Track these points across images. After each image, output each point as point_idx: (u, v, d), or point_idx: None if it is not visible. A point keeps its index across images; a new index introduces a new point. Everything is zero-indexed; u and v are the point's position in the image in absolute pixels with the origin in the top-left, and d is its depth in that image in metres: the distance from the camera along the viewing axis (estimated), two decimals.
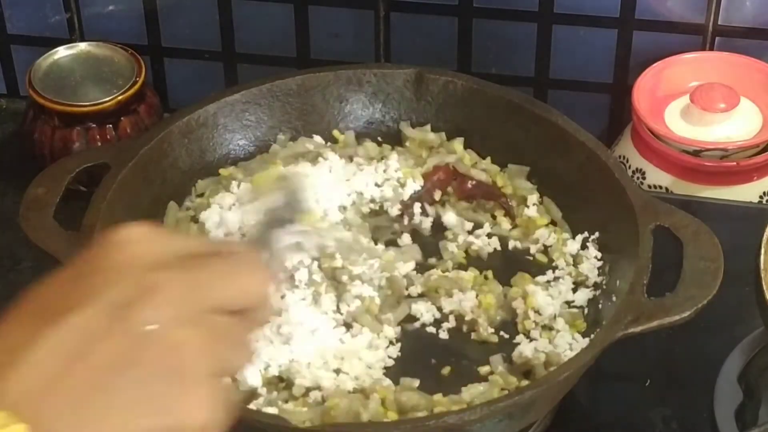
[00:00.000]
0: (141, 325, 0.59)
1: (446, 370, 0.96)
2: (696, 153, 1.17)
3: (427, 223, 1.06)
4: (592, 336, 0.95)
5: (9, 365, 0.58)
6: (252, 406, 0.91)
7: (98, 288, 0.60)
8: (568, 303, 1.00)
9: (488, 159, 1.09)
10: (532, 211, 1.05)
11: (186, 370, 0.60)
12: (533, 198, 1.06)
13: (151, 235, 0.63)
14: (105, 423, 0.59)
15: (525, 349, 0.95)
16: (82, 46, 1.24)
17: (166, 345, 0.60)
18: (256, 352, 0.72)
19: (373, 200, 1.07)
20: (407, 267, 1.02)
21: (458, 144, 1.09)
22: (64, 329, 0.59)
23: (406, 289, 1.00)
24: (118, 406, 0.59)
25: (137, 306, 0.60)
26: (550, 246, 1.04)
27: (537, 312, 0.98)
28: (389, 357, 0.96)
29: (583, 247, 1.03)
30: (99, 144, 1.19)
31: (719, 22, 1.21)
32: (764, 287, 0.92)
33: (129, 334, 0.59)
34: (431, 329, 0.99)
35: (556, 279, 1.01)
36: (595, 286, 1.01)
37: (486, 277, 1.02)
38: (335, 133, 1.11)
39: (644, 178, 1.20)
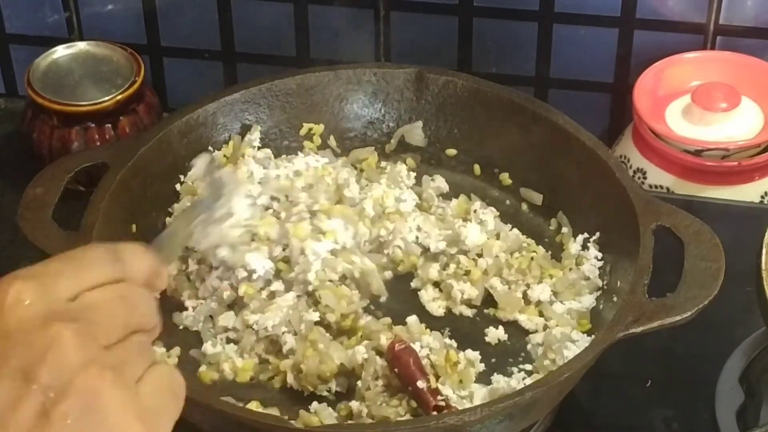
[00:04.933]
0: (49, 383, 0.60)
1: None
2: (697, 153, 1.17)
3: None
4: (593, 336, 0.95)
5: None
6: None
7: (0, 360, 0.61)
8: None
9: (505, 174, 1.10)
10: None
11: (105, 409, 0.61)
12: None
13: (34, 288, 0.63)
14: None
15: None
16: (81, 46, 1.24)
17: (79, 392, 0.61)
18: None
19: None
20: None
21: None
22: None
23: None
24: None
25: (41, 366, 0.61)
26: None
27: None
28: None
29: (584, 247, 1.03)
30: (98, 144, 1.19)
31: (720, 22, 1.21)
32: (765, 287, 0.92)
33: (40, 395, 0.60)
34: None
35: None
36: (597, 287, 1.01)
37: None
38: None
39: (645, 178, 1.20)
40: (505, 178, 1.09)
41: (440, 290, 1.02)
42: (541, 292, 1.00)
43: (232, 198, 0.82)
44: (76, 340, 0.62)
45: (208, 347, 0.97)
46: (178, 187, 1.07)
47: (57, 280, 0.64)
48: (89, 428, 0.61)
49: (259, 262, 0.99)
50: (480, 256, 1.02)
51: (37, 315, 0.62)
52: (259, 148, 1.09)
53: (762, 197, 1.19)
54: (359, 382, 0.93)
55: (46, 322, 0.62)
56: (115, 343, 0.64)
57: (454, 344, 0.97)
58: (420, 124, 1.11)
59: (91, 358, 0.62)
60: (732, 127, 1.18)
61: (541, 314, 0.99)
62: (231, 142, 1.09)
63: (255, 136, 1.09)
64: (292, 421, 0.89)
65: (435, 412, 0.89)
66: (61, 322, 0.62)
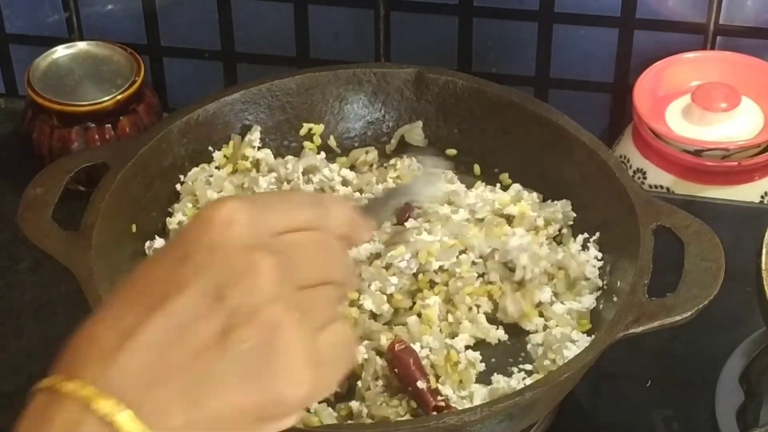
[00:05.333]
0: (238, 306, 0.62)
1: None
2: (697, 153, 1.17)
3: None
4: (593, 336, 0.95)
5: (117, 351, 0.61)
6: None
7: (197, 271, 0.63)
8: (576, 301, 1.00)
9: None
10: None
11: (282, 346, 0.62)
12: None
13: (248, 212, 0.65)
14: (207, 405, 0.61)
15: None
16: (81, 46, 1.24)
17: (262, 323, 0.62)
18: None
19: None
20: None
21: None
22: (165, 313, 0.62)
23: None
24: (219, 387, 0.61)
25: (235, 287, 0.62)
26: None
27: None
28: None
29: (584, 247, 1.03)
30: (98, 144, 1.19)
31: (720, 22, 1.21)
32: (766, 287, 0.92)
33: (226, 315, 0.62)
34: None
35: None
36: (597, 287, 1.01)
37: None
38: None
39: (645, 178, 1.20)
40: (505, 178, 1.09)
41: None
42: (541, 292, 1.00)
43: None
44: (274, 272, 0.63)
45: None
46: (178, 187, 1.07)
47: (267, 212, 0.66)
48: (261, 361, 0.62)
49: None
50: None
51: (243, 238, 0.64)
52: (259, 148, 1.09)
53: (762, 197, 1.19)
54: (359, 382, 0.93)
55: (250, 247, 0.64)
56: (307, 288, 0.65)
57: (455, 344, 0.97)
58: (420, 124, 1.11)
59: (283, 295, 0.63)
60: (732, 127, 1.18)
61: (541, 314, 0.99)
62: (231, 142, 1.09)
63: (255, 136, 1.09)
64: None
65: (435, 413, 0.89)
66: (264, 252, 0.64)
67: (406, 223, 1.02)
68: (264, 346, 0.62)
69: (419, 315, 0.97)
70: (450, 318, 0.98)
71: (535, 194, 1.07)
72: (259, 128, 1.10)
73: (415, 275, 0.99)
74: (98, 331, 0.62)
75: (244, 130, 1.10)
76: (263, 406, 0.62)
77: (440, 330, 0.97)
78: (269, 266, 0.63)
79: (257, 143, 1.09)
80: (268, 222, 0.66)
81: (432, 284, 0.99)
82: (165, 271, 0.64)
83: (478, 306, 0.99)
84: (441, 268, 0.99)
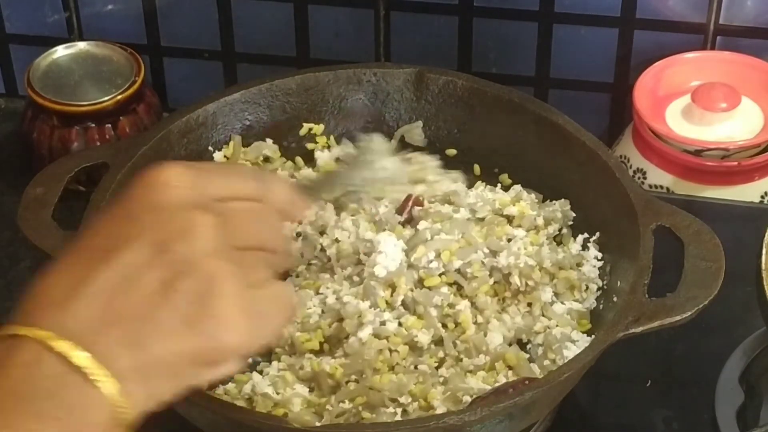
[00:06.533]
0: (179, 259, 0.67)
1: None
2: (697, 153, 1.17)
3: None
4: (593, 336, 0.95)
5: (70, 299, 0.66)
6: None
7: (142, 227, 0.68)
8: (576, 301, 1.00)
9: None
10: None
11: (218, 294, 0.67)
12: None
13: (190, 177, 0.71)
14: (150, 348, 0.66)
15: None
16: (81, 46, 1.24)
17: (201, 274, 0.67)
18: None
19: None
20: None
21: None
22: (113, 265, 0.67)
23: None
24: (162, 332, 0.66)
25: (176, 242, 0.68)
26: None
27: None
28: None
29: (584, 247, 1.03)
30: (98, 144, 1.19)
31: (720, 22, 1.21)
32: (765, 287, 0.92)
33: (168, 266, 0.67)
34: None
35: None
36: (597, 286, 1.01)
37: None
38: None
39: (645, 178, 1.20)
40: (505, 178, 1.09)
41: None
42: (543, 292, 1.00)
43: (387, 162, 0.94)
44: (213, 230, 0.69)
45: None
46: None
47: (210, 178, 0.72)
48: (200, 310, 0.67)
49: (391, 245, 0.99)
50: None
51: (186, 199, 0.70)
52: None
53: (762, 197, 1.19)
54: None
55: (191, 206, 0.69)
56: (243, 249, 0.70)
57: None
58: (420, 124, 1.11)
59: (221, 250, 0.68)
60: (732, 127, 1.18)
61: (541, 314, 0.99)
62: (231, 142, 1.09)
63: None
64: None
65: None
66: (203, 211, 0.69)
67: (412, 222, 1.02)
68: (202, 295, 0.67)
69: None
70: (479, 318, 0.98)
71: (534, 194, 1.07)
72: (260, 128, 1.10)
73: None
74: (51, 283, 0.68)
75: (244, 130, 1.10)
76: (201, 351, 0.67)
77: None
78: (209, 224, 0.69)
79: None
80: (210, 188, 0.71)
81: (458, 286, 0.99)
82: (112, 227, 0.70)
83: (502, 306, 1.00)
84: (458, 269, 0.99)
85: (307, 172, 1.09)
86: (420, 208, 1.03)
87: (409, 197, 1.03)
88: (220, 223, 0.69)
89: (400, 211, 1.02)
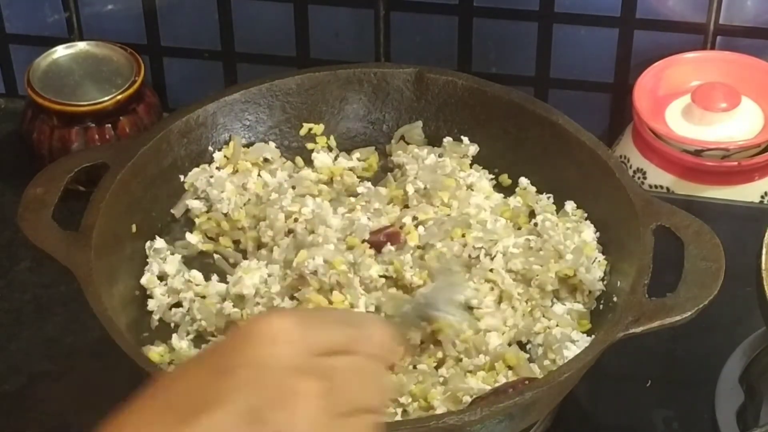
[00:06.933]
0: (274, 431, 0.59)
1: None
2: (697, 153, 1.17)
3: None
4: (593, 336, 0.95)
5: None
6: None
7: (234, 388, 0.60)
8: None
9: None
10: None
11: None
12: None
13: (293, 331, 0.63)
14: None
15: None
16: (81, 46, 1.24)
17: None
18: None
19: None
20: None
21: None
22: (196, 428, 0.59)
23: None
24: None
25: (276, 412, 0.60)
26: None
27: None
28: None
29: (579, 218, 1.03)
30: (98, 144, 1.19)
31: (720, 22, 1.21)
32: (765, 287, 0.92)
33: None
34: None
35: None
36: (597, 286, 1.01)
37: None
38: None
39: (645, 178, 1.20)
40: (505, 178, 1.09)
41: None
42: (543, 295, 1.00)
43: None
44: (318, 402, 0.61)
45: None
46: (182, 177, 1.07)
47: (310, 331, 0.63)
48: None
49: None
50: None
51: (291, 361, 0.61)
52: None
53: (762, 197, 1.19)
54: None
55: (294, 370, 0.61)
56: (345, 416, 0.63)
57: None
58: (420, 124, 1.11)
59: (323, 423, 0.61)
60: (732, 127, 1.18)
61: (541, 315, 0.99)
62: (231, 143, 1.09)
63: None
64: None
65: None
66: (307, 377, 0.61)
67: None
68: None
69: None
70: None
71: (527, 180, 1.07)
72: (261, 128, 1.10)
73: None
74: None
75: (244, 130, 1.10)
76: None
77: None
78: (313, 393, 0.61)
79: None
80: (311, 342, 0.63)
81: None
82: (204, 379, 0.61)
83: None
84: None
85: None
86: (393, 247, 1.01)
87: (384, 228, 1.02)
88: (324, 390, 0.61)
89: (377, 246, 1.01)
